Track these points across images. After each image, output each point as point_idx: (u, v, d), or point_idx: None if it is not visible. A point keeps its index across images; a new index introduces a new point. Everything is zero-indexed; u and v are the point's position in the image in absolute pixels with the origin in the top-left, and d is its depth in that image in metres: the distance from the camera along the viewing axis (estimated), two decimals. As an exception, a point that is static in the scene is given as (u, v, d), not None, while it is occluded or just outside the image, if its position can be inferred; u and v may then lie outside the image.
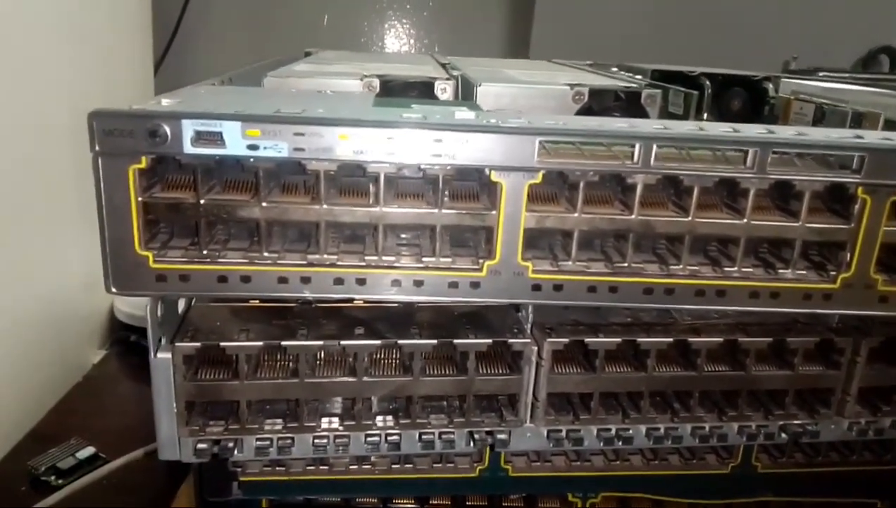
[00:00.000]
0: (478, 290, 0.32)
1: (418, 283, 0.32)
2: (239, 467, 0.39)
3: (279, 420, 0.34)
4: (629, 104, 0.53)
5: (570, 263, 0.33)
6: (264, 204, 0.30)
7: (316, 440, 0.34)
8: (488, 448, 0.38)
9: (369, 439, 0.34)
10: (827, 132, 0.34)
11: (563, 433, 0.36)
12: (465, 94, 0.52)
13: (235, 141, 0.29)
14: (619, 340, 0.35)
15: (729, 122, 0.64)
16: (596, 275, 0.33)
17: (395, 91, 0.52)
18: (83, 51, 0.66)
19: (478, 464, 0.42)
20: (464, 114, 0.33)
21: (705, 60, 0.75)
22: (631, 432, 0.37)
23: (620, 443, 0.37)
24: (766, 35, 1.16)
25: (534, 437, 0.36)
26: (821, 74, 0.99)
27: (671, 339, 0.35)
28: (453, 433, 0.35)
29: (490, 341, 0.34)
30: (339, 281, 0.32)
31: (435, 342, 0.33)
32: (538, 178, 0.31)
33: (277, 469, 0.40)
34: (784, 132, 0.32)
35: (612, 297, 0.33)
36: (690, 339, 0.35)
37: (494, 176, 0.31)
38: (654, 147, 0.31)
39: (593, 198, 0.33)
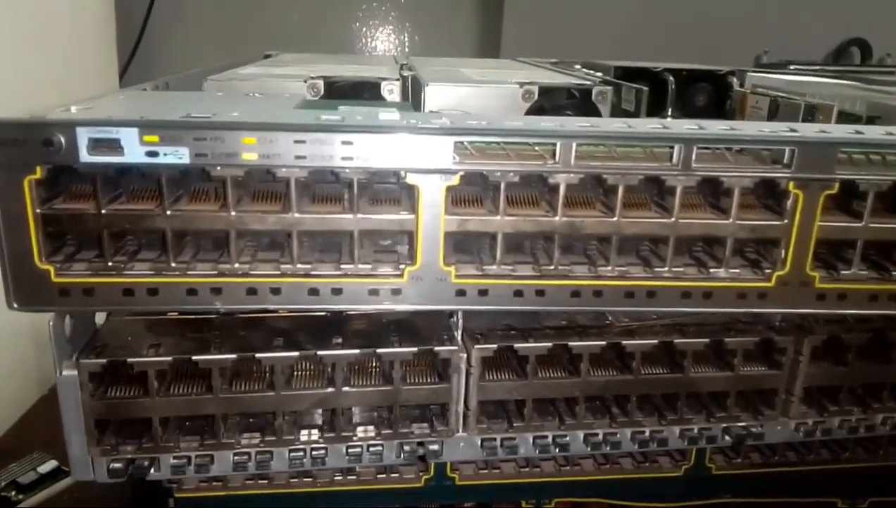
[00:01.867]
0: (399, 297, 0.31)
1: (336, 291, 0.31)
2: (174, 483, 0.38)
3: (197, 437, 0.32)
4: (582, 102, 0.52)
5: (494, 267, 0.31)
6: (168, 213, 0.29)
7: (236, 458, 0.32)
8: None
9: (293, 454, 0.33)
10: (759, 126, 0.33)
11: (498, 442, 0.35)
12: (415, 94, 0.51)
13: (133, 148, 0.28)
14: (549, 344, 0.34)
15: (693, 117, 0.64)
16: (522, 279, 0.32)
17: (341, 93, 0.51)
18: (44, 59, 0.64)
19: (423, 473, 0.40)
20: (389, 115, 0.32)
21: (678, 56, 0.75)
22: (568, 438, 0.35)
23: (557, 450, 0.36)
24: (739, 29, 1.15)
25: (467, 447, 0.35)
26: (792, 67, 0.99)
27: (604, 342, 0.34)
28: (382, 444, 0.34)
29: (415, 349, 0.33)
30: (252, 291, 0.30)
31: (357, 351, 0.32)
32: (456, 180, 0.30)
33: (214, 484, 0.38)
34: (713, 127, 0.31)
35: (539, 301, 0.32)
36: (624, 342, 0.34)
37: (410, 179, 0.30)
38: (574, 145, 0.30)
39: (520, 199, 0.32)
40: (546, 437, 0.35)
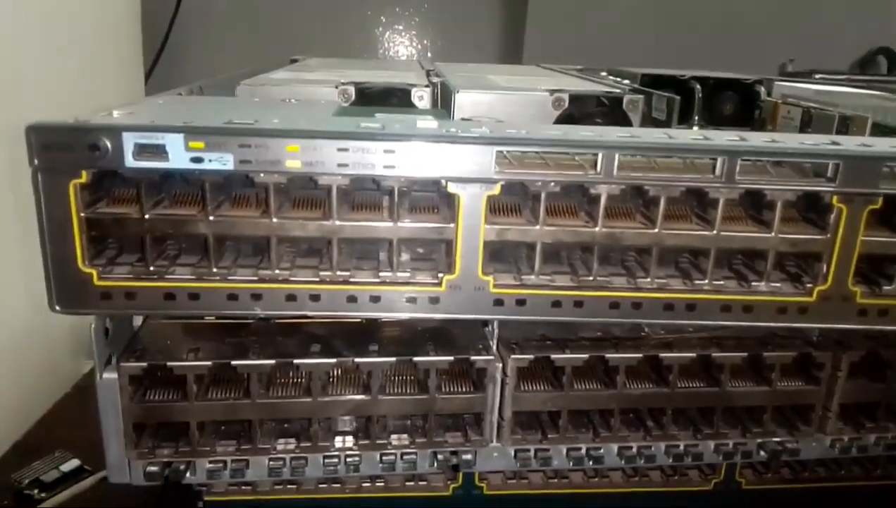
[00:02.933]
0: (437, 306, 0.31)
1: (375, 299, 0.31)
2: (204, 486, 0.38)
3: (233, 442, 0.32)
4: (611, 110, 0.52)
5: (533, 277, 0.31)
6: (211, 218, 0.29)
7: (271, 463, 0.32)
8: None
9: (327, 461, 0.33)
10: (801, 138, 0.33)
11: (532, 453, 0.35)
12: (444, 101, 0.51)
13: (179, 154, 0.28)
14: (586, 356, 0.33)
15: (721, 126, 0.64)
16: (560, 289, 0.31)
17: (372, 99, 0.51)
18: (70, 60, 0.64)
19: (451, 482, 0.40)
20: (426, 123, 0.32)
21: (701, 64, 0.74)
22: (602, 451, 0.35)
23: (591, 463, 0.35)
24: (763, 37, 1.14)
25: (500, 457, 0.35)
26: (817, 76, 0.98)
27: (641, 355, 0.34)
28: (415, 453, 0.34)
29: (451, 358, 0.33)
30: (291, 297, 0.30)
31: (394, 359, 0.32)
32: (496, 189, 0.30)
33: (244, 488, 0.39)
34: (755, 140, 0.31)
35: (577, 312, 0.32)
36: (662, 354, 0.34)
37: (451, 188, 0.29)
38: (617, 156, 0.29)
39: (559, 209, 0.32)
40: (580, 449, 0.35)
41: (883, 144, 0.32)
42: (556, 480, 0.41)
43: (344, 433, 0.33)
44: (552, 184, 0.30)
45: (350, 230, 0.30)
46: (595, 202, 0.30)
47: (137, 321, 0.35)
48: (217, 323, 0.34)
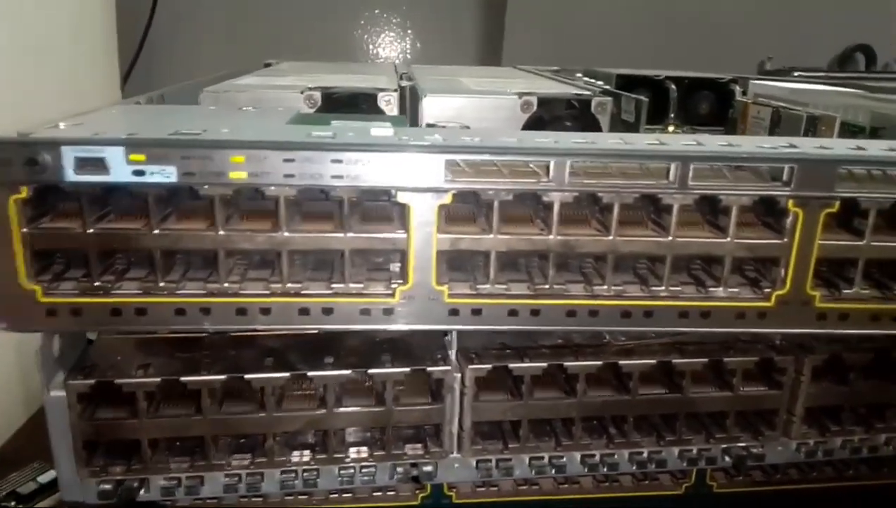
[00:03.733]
0: (391, 317, 0.31)
1: (327, 311, 0.30)
2: (168, 502, 0.37)
3: (187, 458, 0.32)
4: (581, 113, 0.51)
5: (488, 286, 0.31)
6: (156, 232, 0.29)
7: (226, 479, 0.32)
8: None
9: (284, 476, 0.32)
10: (759, 142, 0.32)
11: (493, 463, 0.34)
12: (413, 105, 0.51)
13: (120, 167, 0.27)
14: (545, 364, 0.33)
15: (696, 126, 0.64)
16: (516, 298, 0.31)
17: (339, 105, 0.50)
18: (44, 68, 0.64)
19: (420, 492, 0.40)
20: (381, 131, 0.31)
21: (682, 62, 0.74)
22: (564, 459, 0.35)
23: (553, 472, 0.35)
24: (743, 35, 1.15)
25: (461, 468, 0.34)
26: (796, 73, 0.98)
27: (601, 362, 0.33)
28: (374, 466, 0.33)
29: (408, 369, 0.32)
30: (241, 311, 0.30)
31: (348, 372, 0.32)
32: (448, 198, 0.29)
33: (209, 501, 0.38)
34: (710, 143, 0.31)
35: (534, 320, 0.31)
36: (621, 362, 0.33)
37: (401, 197, 0.29)
38: (569, 163, 0.29)
39: (515, 217, 0.31)
40: (542, 458, 0.35)
41: (840, 146, 0.32)
42: (525, 487, 0.41)
43: (301, 447, 0.33)
44: (504, 192, 0.29)
45: (299, 242, 0.29)
46: (549, 210, 0.30)
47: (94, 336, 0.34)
48: (170, 338, 0.33)
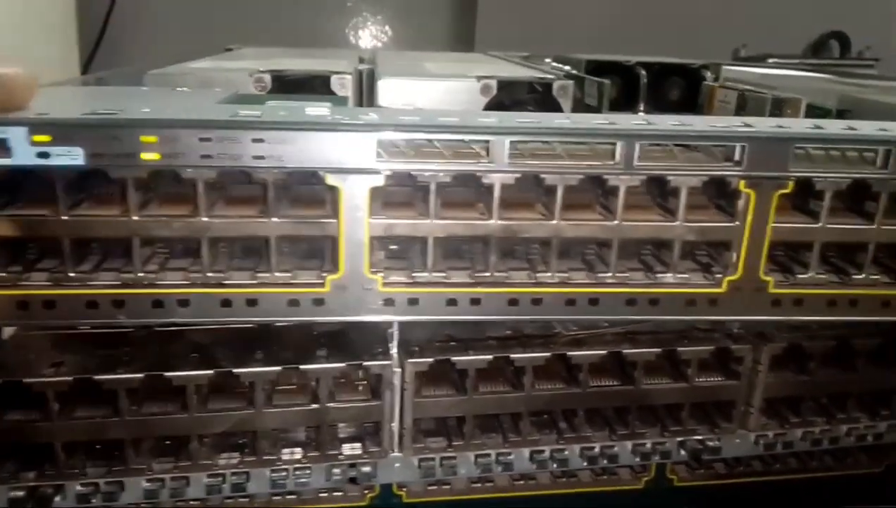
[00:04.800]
0: (322, 308, 0.29)
1: (252, 302, 0.28)
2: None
3: (105, 463, 0.30)
4: (543, 97, 0.50)
5: (426, 274, 0.29)
6: (65, 218, 0.26)
7: (147, 485, 0.30)
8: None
9: (210, 480, 0.30)
10: (711, 121, 0.31)
11: (436, 462, 0.33)
12: (370, 89, 0.49)
13: (23, 148, 0.25)
14: (490, 357, 0.31)
15: (665, 112, 0.62)
16: (455, 286, 0.29)
17: (291, 87, 0.48)
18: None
19: (368, 492, 0.38)
20: (316, 111, 0.29)
21: (658, 50, 0.73)
22: (512, 456, 0.33)
23: (500, 469, 0.33)
24: (719, 22, 1.14)
25: (403, 467, 0.33)
26: (770, 60, 0.98)
27: (548, 354, 0.32)
28: (309, 468, 0.31)
29: (343, 364, 0.30)
30: (157, 303, 0.28)
31: (277, 368, 0.30)
32: (380, 180, 0.27)
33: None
34: (661, 123, 0.29)
35: (474, 310, 0.30)
36: (570, 353, 0.32)
37: (330, 180, 0.27)
38: (507, 142, 0.27)
39: (456, 202, 0.30)
40: (489, 455, 0.33)
41: (796, 126, 0.31)
42: (479, 484, 0.39)
43: (230, 449, 0.31)
44: (441, 174, 0.28)
45: (220, 228, 0.27)
46: (489, 192, 0.28)
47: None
48: (90, 333, 0.31)
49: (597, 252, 0.31)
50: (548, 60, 0.73)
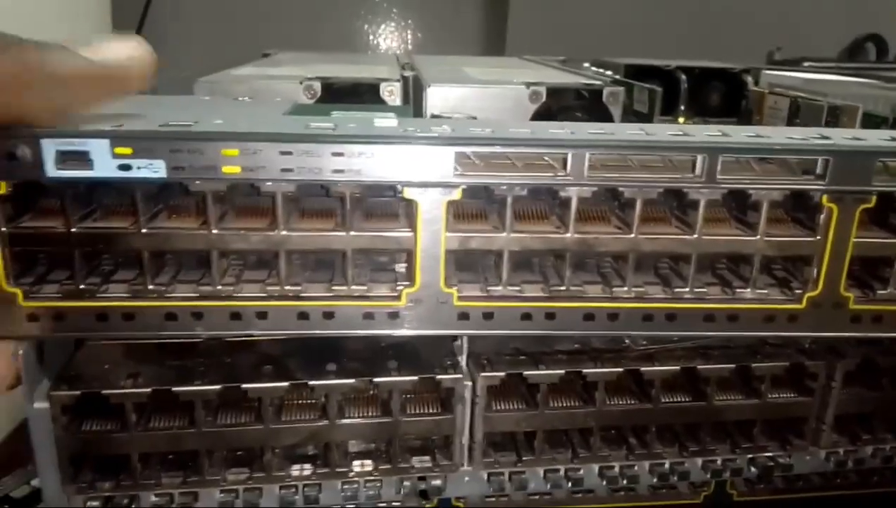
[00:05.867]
0: (397, 321, 0.29)
1: (328, 315, 0.28)
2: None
3: (180, 473, 0.30)
4: (591, 103, 0.49)
5: (500, 288, 0.29)
6: (144, 231, 0.27)
7: (222, 495, 0.30)
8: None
9: (284, 491, 0.30)
10: (788, 133, 0.30)
11: (506, 476, 0.32)
12: (417, 96, 0.49)
13: (104, 161, 0.25)
14: (561, 372, 0.31)
15: (706, 117, 0.61)
16: (530, 301, 0.29)
17: (339, 95, 0.48)
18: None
19: (426, 503, 0.38)
20: (385, 122, 0.29)
21: (688, 52, 0.72)
22: (581, 472, 0.33)
23: (570, 485, 0.33)
24: (750, 24, 1.13)
25: (472, 481, 0.32)
26: (805, 63, 0.96)
27: (621, 369, 0.31)
28: (380, 480, 0.31)
29: (416, 378, 0.30)
30: (236, 316, 0.28)
31: (352, 381, 0.29)
32: (457, 194, 0.27)
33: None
34: (737, 135, 0.29)
35: (549, 325, 0.29)
36: (643, 368, 0.31)
37: (408, 193, 0.27)
38: (588, 155, 0.27)
39: (530, 213, 0.29)
40: (558, 471, 0.33)
41: (875, 138, 0.30)
42: (537, 497, 0.39)
43: (302, 461, 0.31)
44: (518, 187, 0.27)
45: (298, 241, 0.27)
46: (566, 206, 0.28)
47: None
48: (162, 344, 0.31)
49: (671, 266, 0.31)
50: (586, 65, 0.72)
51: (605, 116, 0.48)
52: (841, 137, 0.29)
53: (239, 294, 0.28)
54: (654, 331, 0.30)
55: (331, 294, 0.28)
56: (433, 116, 0.43)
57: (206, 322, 0.28)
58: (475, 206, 0.30)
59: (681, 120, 0.59)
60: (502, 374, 0.31)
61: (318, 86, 0.47)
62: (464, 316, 0.29)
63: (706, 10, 1.13)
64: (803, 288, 0.30)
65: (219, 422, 0.29)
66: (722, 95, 0.65)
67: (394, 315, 0.29)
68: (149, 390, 0.28)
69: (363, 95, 0.49)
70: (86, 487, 0.29)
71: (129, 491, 0.29)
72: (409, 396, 0.31)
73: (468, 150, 0.27)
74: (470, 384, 0.31)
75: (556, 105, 0.48)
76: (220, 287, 0.28)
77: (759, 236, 0.29)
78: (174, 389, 0.28)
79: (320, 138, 0.26)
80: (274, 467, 0.30)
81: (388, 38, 1.22)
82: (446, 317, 0.29)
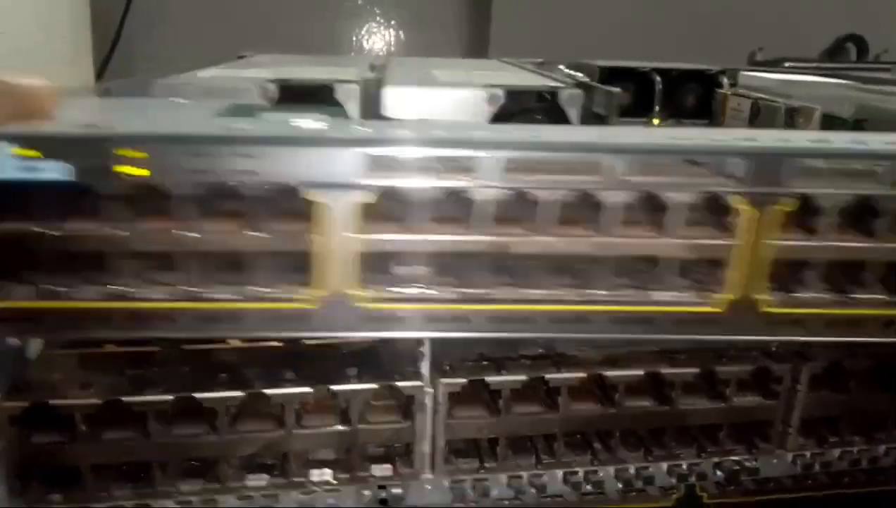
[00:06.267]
0: (308, 323, 0.27)
1: (236, 317, 0.27)
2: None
3: (133, 485, 0.29)
4: (552, 106, 0.49)
5: (412, 289, 0.28)
6: (51, 233, 0.25)
7: (174, 507, 0.29)
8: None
9: (240, 502, 0.30)
10: (713, 134, 0.30)
11: (468, 484, 0.32)
12: (377, 98, 0.48)
13: (6, 162, 0.24)
14: (524, 377, 0.30)
15: (681, 119, 0.61)
16: (441, 303, 0.28)
17: (297, 97, 0.47)
18: (10, 60, 0.61)
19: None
20: (309, 123, 0.28)
21: (675, 54, 0.72)
22: (545, 478, 0.32)
23: (534, 491, 0.32)
24: (735, 26, 1.13)
25: (434, 490, 0.32)
26: (786, 64, 0.96)
27: (584, 374, 0.31)
28: (339, 489, 0.31)
29: (375, 385, 0.29)
30: (138, 317, 0.26)
31: (309, 389, 0.29)
32: (370, 197, 0.26)
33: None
34: (655, 137, 0.28)
35: (460, 327, 0.28)
36: (607, 373, 0.31)
37: (314, 196, 0.26)
38: (506, 156, 0.26)
39: (449, 217, 0.27)
40: (521, 477, 0.32)
41: (798, 139, 0.29)
42: (507, 502, 0.38)
43: (259, 471, 0.30)
44: (431, 190, 0.26)
45: (200, 243, 0.26)
46: (484, 208, 0.26)
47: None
48: (118, 352, 0.31)
49: (585, 269, 0.29)
50: (561, 67, 0.72)
51: (564, 120, 0.47)
52: (770, 138, 0.28)
53: (140, 295, 0.26)
54: (564, 333, 0.28)
55: (239, 296, 0.27)
56: (380, 118, 0.42)
57: (113, 325, 0.26)
58: (391, 209, 0.28)
59: (655, 122, 0.59)
60: (464, 380, 0.30)
61: (274, 88, 0.46)
62: (374, 318, 0.27)
63: (694, 11, 1.13)
64: (719, 291, 0.28)
65: (173, 432, 0.29)
66: (698, 96, 0.65)
67: (304, 317, 0.27)
68: (98, 400, 0.27)
69: (322, 97, 0.48)
70: (35, 500, 0.28)
71: (80, 504, 0.29)
72: (369, 404, 0.31)
73: (380, 151, 0.26)
74: (431, 391, 0.30)
75: (516, 108, 0.48)
76: (119, 288, 0.26)
77: (669, 239, 0.27)
78: (125, 399, 0.27)
79: (226, 140, 0.25)
80: (230, 477, 0.29)
81: (371, 40, 1.22)
82: (356, 319, 0.27)
